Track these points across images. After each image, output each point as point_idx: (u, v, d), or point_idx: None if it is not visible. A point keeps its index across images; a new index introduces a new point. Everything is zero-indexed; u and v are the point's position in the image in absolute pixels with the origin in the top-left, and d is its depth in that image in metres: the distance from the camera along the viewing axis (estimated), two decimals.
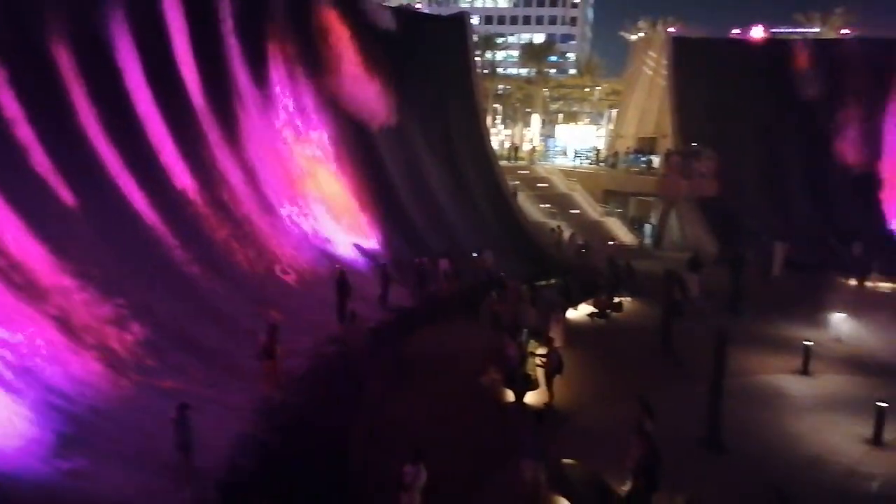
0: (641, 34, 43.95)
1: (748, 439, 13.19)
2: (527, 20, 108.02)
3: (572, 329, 19.52)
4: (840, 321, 20.24)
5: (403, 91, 29.72)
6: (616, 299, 22.91)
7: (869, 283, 26.54)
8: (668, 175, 34.61)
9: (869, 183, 34.76)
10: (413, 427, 13.22)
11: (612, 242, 32.25)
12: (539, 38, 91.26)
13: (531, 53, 63.51)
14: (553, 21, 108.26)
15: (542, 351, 15.91)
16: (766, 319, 21.58)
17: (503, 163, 40.42)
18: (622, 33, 46.05)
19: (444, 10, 36.27)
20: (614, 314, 22.32)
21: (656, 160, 37.56)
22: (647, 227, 36.33)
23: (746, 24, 41.66)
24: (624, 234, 35.30)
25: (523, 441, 11.10)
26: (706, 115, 37.03)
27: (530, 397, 14.90)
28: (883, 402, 13.44)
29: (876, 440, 13.28)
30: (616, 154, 42.17)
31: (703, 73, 37.39)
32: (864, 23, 42.67)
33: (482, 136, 35.29)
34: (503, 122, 62.86)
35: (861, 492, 11.62)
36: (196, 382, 14.04)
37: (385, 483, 10.49)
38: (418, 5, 66.33)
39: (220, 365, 15.19)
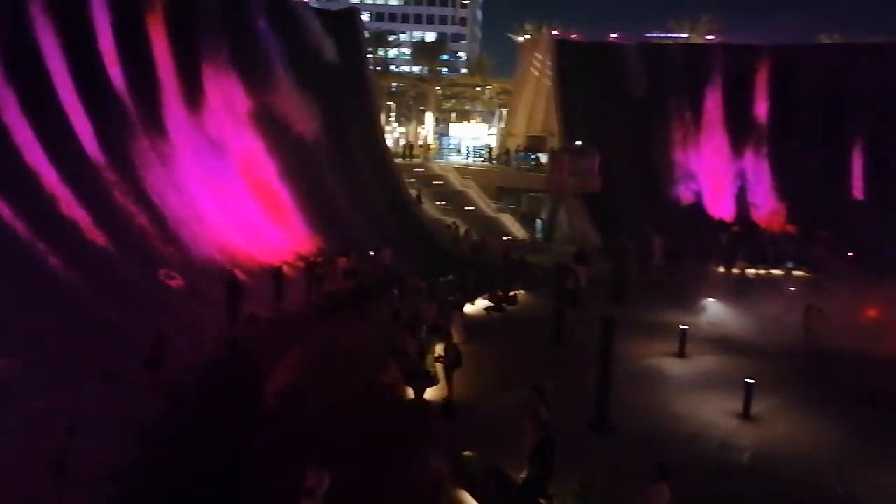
0: (528, 36, 45.44)
1: (634, 420, 13.98)
2: (417, 18, 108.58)
3: (470, 323, 19.88)
4: (711, 306, 21.96)
5: (300, 86, 29.10)
6: (511, 293, 23.57)
7: (735, 270, 28.91)
8: (556, 172, 36.05)
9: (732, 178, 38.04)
10: (315, 430, 12.98)
11: (506, 238, 33.16)
12: (430, 36, 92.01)
13: (423, 52, 63.97)
14: (444, 20, 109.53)
15: (440, 346, 16.09)
16: (646, 307, 22.95)
17: (398, 160, 40.50)
18: (510, 35, 47.41)
19: (333, 7, 35.49)
20: (509, 307, 22.96)
21: (545, 158, 39.00)
22: (539, 223, 37.66)
23: (625, 29, 44.25)
24: (517, 230, 36.41)
25: (426, 435, 11.19)
26: (589, 115, 38.96)
27: (430, 393, 15.02)
28: (750, 378, 14.70)
29: (745, 414, 14.49)
30: (508, 152, 43.41)
31: (585, 74, 39.27)
32: (728, 30, 46.66)
33: (377, 134, 35.16)
34: (397, 119, 62.84)
35: (734, 462, 12.63)
36: (72, 399, 13.00)
37: (288, 491, 10.21)
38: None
39: (99, 378, 14.17)
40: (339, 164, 31.44)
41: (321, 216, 28.48)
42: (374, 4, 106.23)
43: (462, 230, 32.81)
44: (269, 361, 16.67)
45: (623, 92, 38.95)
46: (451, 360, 14.96)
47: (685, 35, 47.41)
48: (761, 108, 38.35)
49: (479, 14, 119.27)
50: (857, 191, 36.15)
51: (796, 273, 28.42)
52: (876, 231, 32.78)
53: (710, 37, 45.83)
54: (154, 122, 23.21)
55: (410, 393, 14.95)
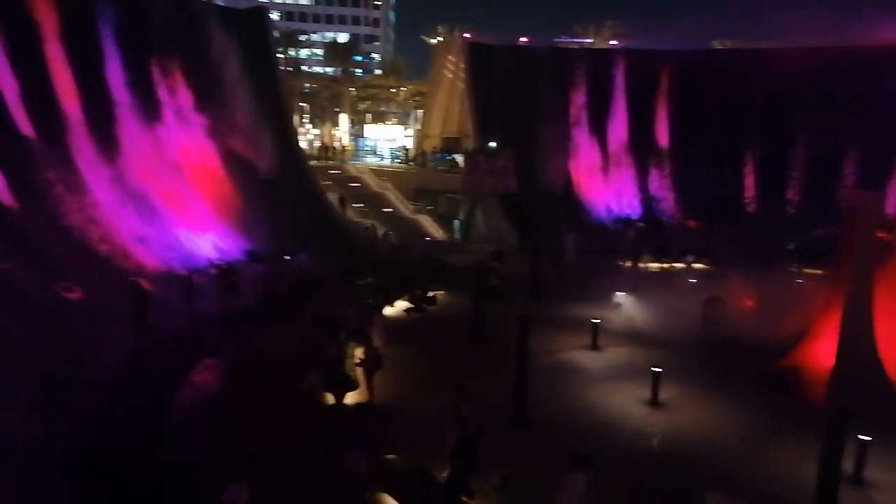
0: (441, 39, 45.88)
1: (551, 413, 14.46)
2: (329, 19, 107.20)
3: (390, 325, 19.85)
4: (621, 300, 22.96)
5: (200, 86, 28.07)
6: (430, 293, 23.73)
7: (641, 265, 30.35)
8: (472, 173, 36.58)
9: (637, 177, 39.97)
10: (233, 442, 12.59)
11: (425, 238, 33.34)
12: (343, 37, 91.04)
13: (336, 52, 63.27)
14: (356, 21, 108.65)
15: (360, 350, 15.99)
16: (561, 302, 23.76)
17: (313, 163, 39.89)
18: (423, 37, 47.73)
19: (240, 5, 34.37)
20: (430, 308, 23.10)
21: (461, 159, 39.52)
22: (456, 223, 38.09)
23: (533, 33, 45.53)
24: (435, 230, 36.66)
25: (349, 437, 11.13)
26: (503, 116, 39.82)
27: (351, 398, 14.90)
28: (657, 367, 15.51)
29: (654, 402, 15.27)
30: (425, 153, 43.65)
31: (498, 76, 40.10)
32: (631, 34, 48.86)
33: (290, 136, 34.45)
34: (311, 121, 61.81)
35: (645, 448, 13.29)
36: None
37: None
38: None
39: None
40: (251, 167, 30.64)
41: (235, 222, 27.68)
42: (284, 3, 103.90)
43: (380, 232, 32.71)
44: (177, 374, 16.02)
45: (534, 94, 40.06)
46: (372, 364, 14.92)
47: (590, 40, 49.33)
48: (662, 111, 40.42)
49: (392, 15, 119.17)
50: (750, 188, 38.72)
51: (697, 266, 30.15)
52: (764, 225, 35.41)
53: (613, 42, 47.90)
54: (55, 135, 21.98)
55: (331, 399, 14.76)
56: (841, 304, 15.87)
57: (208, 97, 29.20)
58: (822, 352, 16.75)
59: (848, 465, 11.41)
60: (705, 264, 30.48)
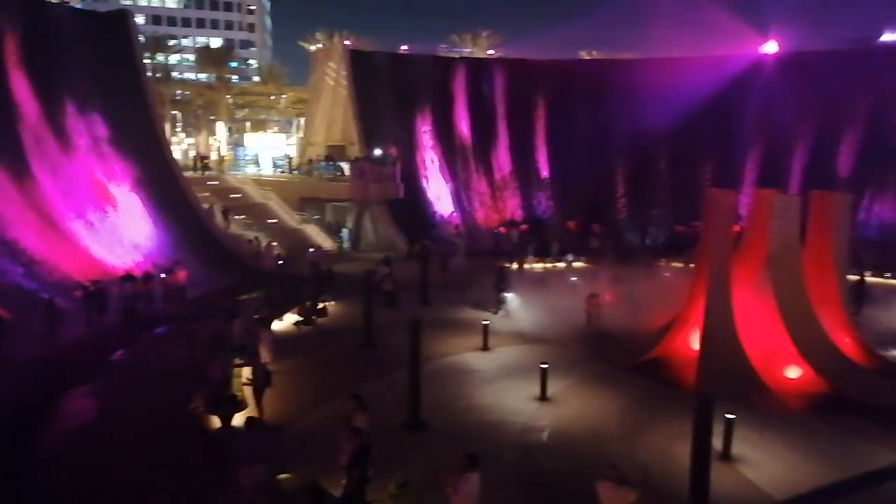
0: (320, 45, 45.21)
1: (444, 415, 14.62)
2: (200, 23, 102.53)
3: (279, 340, 19.25)
4: (509, 300, 23.65)
5: (52, 96, 25.94)
6: (320, 304, 23.25)
7: (526, 266, 31.45)
8: (358, 180, 36.31)
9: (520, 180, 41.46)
10: (115, 473, 11.75)
11: (312, 249, 32.62)
12: (216, 42, 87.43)
13: (209, 58, 60.57)
14: (230, 26, 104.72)
15: (247, 368, 15.38)
16: (452, 306, 24.14)
17: (189, 174, 37.91)
18: (302, 43, 46.79)
19: (101, 7, 31.99)
20: (320, 319, 22.63)
21: (346, 166, 39.09)
22: (345, 232, 37.62)
23: (411, 41, 46.03)
24: (323, 240, 35.99)
25: (240, 453, 10.73)
26: (387, 123, 39.88)
27: (239, 418, 14.26)
28: (544, 363, 16.12)
29: (542, 397, 15.85)
30: (310, 161, 42.72)
31: (381, 84, 40.13)
32: (505, 45, 50.62)
33: (161, 146, 32.50)
34: (185, 130, 58.75)
35: (535, 442, 13.74)
36: None
37: None
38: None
39: None
40: (119, 180, 28.63)
41: (103, 239, 25.73)
42: (150, 7, 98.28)
43: (264, 244, 31.65)
44: (39, 406, 14.67)
45: (416, 101, 40.48)
46: (260, 382, 14.39)
47: (469, 49, 50.59)
48: (540, 118, 42.15)
49: (268, 21, 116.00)
50: (620, 189, 41.21)
51: (576, 264, 31.68)
52: (633, 223, 37.97)
53: (490, 51, 49.40)
54: None
55: (216, 422, 14.04)
56: (703, 294, 17.25)
57: (62, 107, 26.97)
58: (689, 339, 18.15)
59: (717, 442, 12.42)
60: (584, 262, 32.07)
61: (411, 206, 37.35)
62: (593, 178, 40.87)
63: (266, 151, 47.95)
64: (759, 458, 12.91)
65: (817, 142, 36.88)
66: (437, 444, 13.17)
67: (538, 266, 32.14)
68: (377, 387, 15.64)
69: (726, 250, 17.26)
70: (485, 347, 19.56)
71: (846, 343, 17.75)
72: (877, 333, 20.45)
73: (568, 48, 52.12)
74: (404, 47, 45.76)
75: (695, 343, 17.60)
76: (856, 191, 21.25)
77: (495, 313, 22.84)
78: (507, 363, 18.49)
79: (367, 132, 39.05)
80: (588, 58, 49.40)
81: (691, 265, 22.24)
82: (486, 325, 19.94)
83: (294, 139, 57.14)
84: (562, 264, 32.11)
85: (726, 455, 12.81)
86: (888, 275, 28.61)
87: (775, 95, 37.77)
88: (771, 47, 40.44)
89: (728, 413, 12.79)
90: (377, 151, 38.22)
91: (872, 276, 26.94)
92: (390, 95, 40.16)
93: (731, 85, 38.14)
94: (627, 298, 23.16)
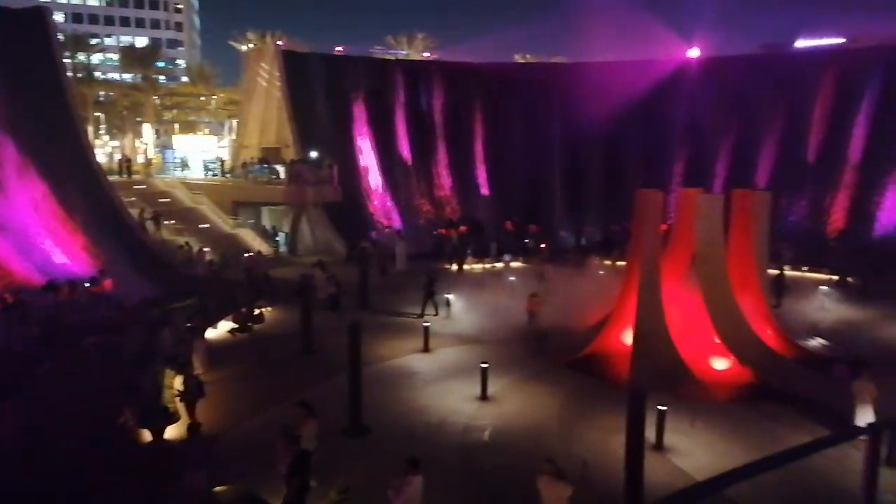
0: (252, 45, 44.20)
1: (387, 419, 14.59)
2: (125, 21, 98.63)
3: (213, 349, 18.72)
4: (450, 301, 23.74)
5: None
6: (257, 310, 22.74)
7: (466, 267, 31.68)
8: (294, 183, 35.71)
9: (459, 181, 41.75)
10: (37, 498, 11.13)
11: (248, 254, 31.83)
12: (142, 41, 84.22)
13: (134, 58, 58.31)
14: (156, 25, 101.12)
15: (179, 379, 14.88)
16: (393, 308, 24.08)
17: (114, 178, 36.35)
18: (232, 43, 45.63)
19: (15, 4, 30.15)
20: (256, 326, 22.12)
21: (282, 169, 38.35)
22: (281, 236, 36.90)
23: (347, 42, 45.63)
24: (259, 245, 35.19)
25: (169, 477, 10.34)
26: (324, 125, 39.37)
27: (172, 431, 13.79)
28: (485, 363, 16.28)
29: (483, 396, 16.00)
30: (244, 164, 41.71)
31: (314, 85, 39.59)
32: (441, 47, 50.83)
33: (83, 149, 31.00)
34: (109, 132, 56.31)
35: (476, 442, 13.86)
36: None
37: None
38: None
39: None
40: (35, 185, 27.16)
41: (20, 247, 24.37)
42: (70, 4, 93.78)
43: (196, 250, 30.68)
44: None
45: (351, 103, 40.18)
46: (192, 393, 13.95)
47: (404, 51, 50.56)
48: (478, 119, 42.51)
49: (196, 20, 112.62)
50: (557, 190, 42.07)
51: (514, 264, 32.14)
52: (568, 223, 38.87)
53: (426, 54, 49.52)
54: None
55: (147, 435, 13.51)
56: (635, 291, 17.83)
57: None
58: (622, 335, 18.71)
59: (651, 433, 12.86)
60: (521, 262, 32.56)
61: (350, 209, 37.02)
62: (530, 179, 41.61)
63: (196, 154, 46.48)
64: (689, 448, 13.44)
65: (738, 143, 38.73)
66: (379, 448, 13.11)
67: (478, 267, 32.42)
68: (317, 392, 15.42)
69: (656, 248, 17.90)
70: (426, 349, 19.58)
71: (768, 335, 18.71)
72: (795, 324, 21.67)
73: (502, 52, 52.98)
74: (339, 48, 45.32)
75: (628, 338, 18.16)
76: (774, 189, 22.44)
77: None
78: (448, 364, 18.57)
79: (302, 134, 38.45)
80: (523, 61, 50.22)
81: (623, 263, 22.90)
82: (426, 328, 19.97)
83: (226, 141, 55.65)
84: (500, 264, 32.51)
85: (659, 446, 13.27)
86: (805, 268, 30.32)
87: (699, 99, 39.49)
88: (694, 52, 42.22)
89: (660, 405, 13.25)
90: (313, 154, 37.68)
91: (791, 269, 28.53)
92: (326, 97, 39.69)
93: (658, 89, 39.60)
94: (563, 297, 23.64)
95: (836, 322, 22.70)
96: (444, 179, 41.76)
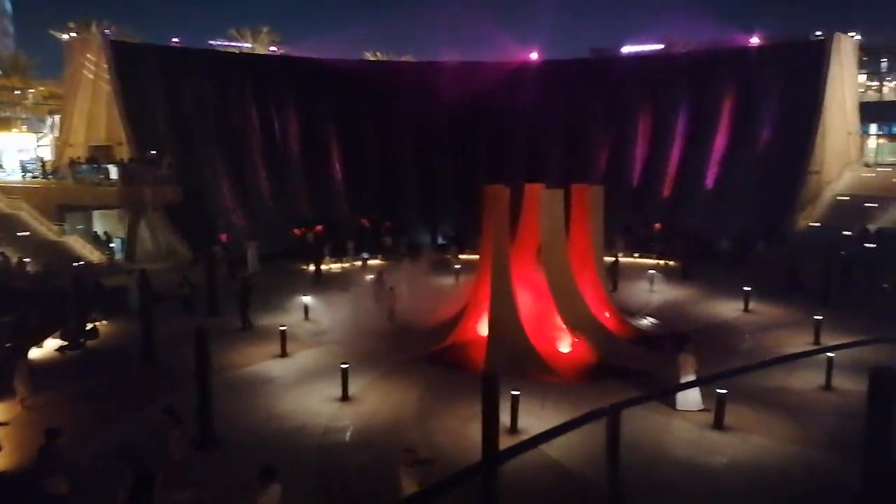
0: (74, 34, 40.16)
1: (242, 428, 13.99)
2: None
3: (38, 370, 16.84)
4: (307, 303, 23.21)
5: None
6: (89, 325, 20.78)
7: (324, 266, 31.11)
8: (129, 184, 33.03)
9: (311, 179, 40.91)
10: None
11: (78, 263, 28.93)
12: None
13: None
14: None
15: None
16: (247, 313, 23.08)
17: None
18: (53, 32, 41.17)
19: None
20: (90, 342, 20.21)
21: (114, 169, 35.24)
22: (117, 241, 33.95)
23: (188, 34, 42.93)
24: (90, 252, 32.13)
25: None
26: (164, 121, 36.77)
27: None
28: (345, 363, 16.12)
29: (344, 397, 15.81)
30: (71, 164, 37.73)
31: (150, 78, 36.87)
32: (287, 42, 49.37)
33: None
34: None
35: (337, 442, 13.68)
36: None
37: None
38: None
39: None
40: None
41: None
42: None
43: (14, 260, 27.36)
44: None
45: (195, 98, 37.93)
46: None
47: (249, 45, 48.50)
48: (330, 116, 41.83)
49: (7, 4, 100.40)
50: (409, 185, 42.60)
51: (372, 262, 32.14)
52: (423, 219, 39.59)
53: (273, 48, 47.88)
54: None
55: None
56: (488, 282, 18.57)
57: None
58: (477, 325, 19.42)
59: (507, 418, 13.45)
60: (379, 259, 32.63)
61: (194, 210, 34.92)
62: (383, 176, 41.80)
63: (12, 154, 41.42)
64: (541, 428, 14.08)
65: (574, 140, 41.66)
66: (233, 460, 12.53)
67: (336, 266, 32.01)
68: (162, 406, 14.41)
69: (505, 241, 18.74)
70: (283, 354, 19.03)
71: (606, 317, 20.32)
72: (629, 306, 23.73)
73: (351, 49, 52.57)
74: (175, 40, 42.52)
75: (483, 329, 18.87)
76: (607, 183, 24.39)
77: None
78: (308, 367, 18.19)
79: (137, 131, 35.65)
80: (373, 59, 50.16)
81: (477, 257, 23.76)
82: (283, 331, 19.38)
83: (48, 139, 50.04)
84: (358, 263, 32.34)
85: (514, 429, 13.92)
86: (636, 255, 33.29)
87: (539, 100, 41.94)
88: (533, 55, 44.74)
89: (514, 390, 13.91)
90: (152, 152, 35.05)
91: (624, 256, 31.20)
92: (163, 92, 37.11)
93: (502, 89, 41.58)
94: (421, 292, 24.05)
95: (662, 302, 25.16)
96: (298, 177, 40.70)
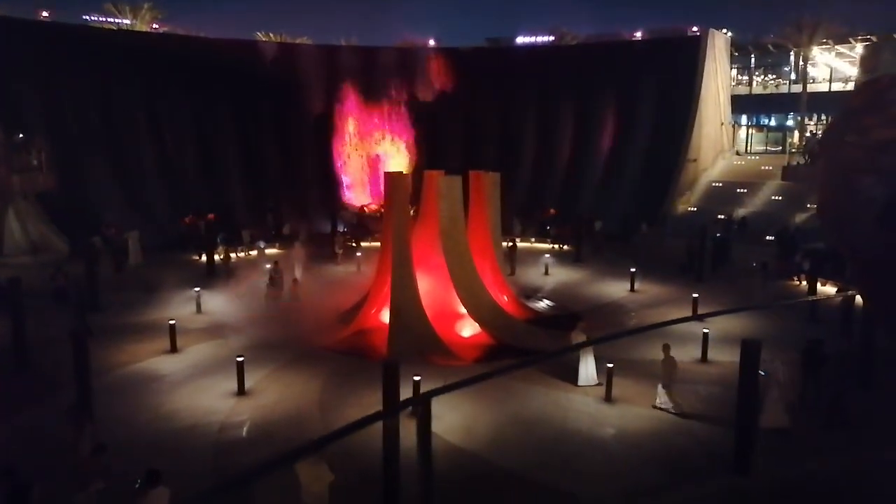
0: None
1: (126, 431, 13.08)
2: None
3: None
4: (198, 295, 22.10)
5: None
6: None
7: (217, 256, 29.66)
8: None
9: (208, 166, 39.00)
10: None
11: None
12: None
13: None
14: None
15: None
16: (130, 308, 21.76)
17: None
18: None
19: None
20: None
21: None
22: None
23: (59, 8, 39.52)
24: None
25: None
26: (28, 103, 33.74)
27: None
28: (240, 356, 15.51)
29: (240, 391, 15.26)
30: None
31: (13, 56, 33.68)
32: (171, 20, 46.46)
33: None
34: None
35: (233, 439, 13.21)
36: None
37: None
38: None
39: None
40: None
41: None
42: None
43: None
44: None
45: (72, 78, 35.02)
46: None
47: (128, 21, 45.31)
48: (224, 100, 39.83)
49: None
50: (308, 172, 41.57)
51: (269, 251, 31.16)
52: (324, 208, 38.90)
53: (155, 26, 44.98)
54: None
55: None
56: (389, 270, 18.51)
57: None
58: (380, 313, 19.35)
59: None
60: (277, 249, 31.69)
61: (70, 199, 32.37)
62: (280, 162, 40.58)
63: None
64: (441, 411, 14.26)
65: (471, 127, 42.28)
66: (116, 466, 11.75)
67: (230, 256, 30.72)
68: (35, 413, 13.41)
69: (406, 228, 18.73)
70: (173, 349, 18.06)
71: (504, 301, 20.85)
72: (525, 289, 24.49)
73: (242, 28, 50.34)
74: (45, 14, 38.94)
75: (385, 316, 18.82)
76: (501, 169, 24.81)
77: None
78: (201, 362, 17.38)
79: (4, 113, 32.44)
80: (265, 40, 48.29)
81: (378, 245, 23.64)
82: (172, 325, 18.39)
83: None
84: (254, 252, 31.26)
85: (416, 413, 13.99)
86: (533, 240, 34.36)
87: (438, 86, 42.18)
88: (431, 42, 44.87)
89: (416, 376, 13.98)
90: (19, 136, 32.05)
91: (521, 241, 32.09)
92: (31, 71, 33.98)
93: (403, 76, 41.52)
94: (322, 281, 23.66)
95: (556, 284, 26.15)
96: (187, 162, 38.58)
